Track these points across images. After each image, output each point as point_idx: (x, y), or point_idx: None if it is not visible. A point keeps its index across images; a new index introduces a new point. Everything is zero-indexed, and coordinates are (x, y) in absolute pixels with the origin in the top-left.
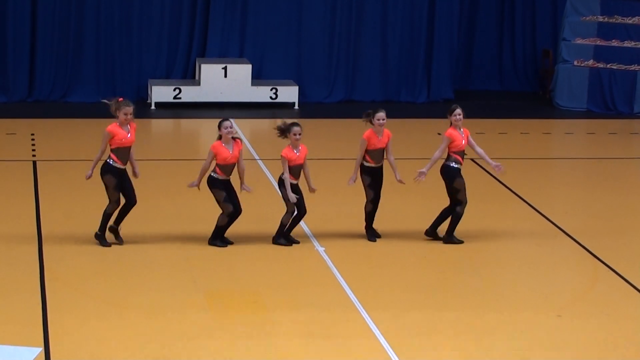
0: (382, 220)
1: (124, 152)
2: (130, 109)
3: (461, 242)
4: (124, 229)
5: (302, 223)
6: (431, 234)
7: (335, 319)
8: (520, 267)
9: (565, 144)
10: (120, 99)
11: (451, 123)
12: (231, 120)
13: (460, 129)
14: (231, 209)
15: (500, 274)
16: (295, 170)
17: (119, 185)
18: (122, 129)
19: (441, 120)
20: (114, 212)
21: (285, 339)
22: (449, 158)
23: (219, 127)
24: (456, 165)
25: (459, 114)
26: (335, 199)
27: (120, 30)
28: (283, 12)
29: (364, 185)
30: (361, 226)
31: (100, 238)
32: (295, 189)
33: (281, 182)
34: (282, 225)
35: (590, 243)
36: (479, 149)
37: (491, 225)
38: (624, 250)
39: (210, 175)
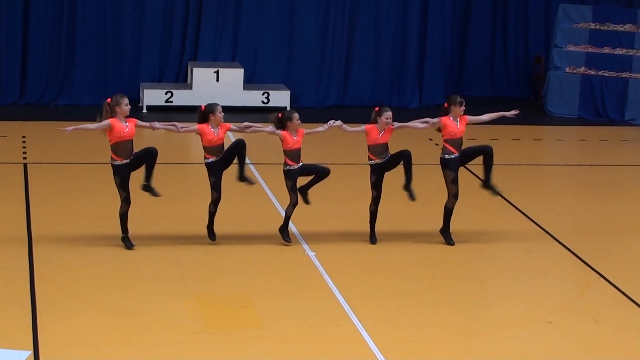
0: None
1: (123, 147)
2: (127, 99)
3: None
4: (113, 231)
5: (292, 227)
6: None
7: (326, 324)
8: (511, 272)
9: (557, 150)
10: (109, 100)
11: (450, 112)
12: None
13: (456, 119)
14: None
15: (490, 279)
16: (294, 154)
17: (124, 183)
18: (121, 122)
19: None
20: (126, 211)
21: (275, 344)
22: (442, 149)
23: (213, 110)
24: (447, 156)
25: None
26: (326, 204)
27: (112, 33)
28: (275, 16)
29: (370, 183)
30: (352, 230)
31: (123, 240)
32: (295, 173)
33: (286, 173)
34: (287, 217)
35: (581, 249)
36: (485, 117)
37: (481, 231)
38: (614, 256)
39: (205, 163)
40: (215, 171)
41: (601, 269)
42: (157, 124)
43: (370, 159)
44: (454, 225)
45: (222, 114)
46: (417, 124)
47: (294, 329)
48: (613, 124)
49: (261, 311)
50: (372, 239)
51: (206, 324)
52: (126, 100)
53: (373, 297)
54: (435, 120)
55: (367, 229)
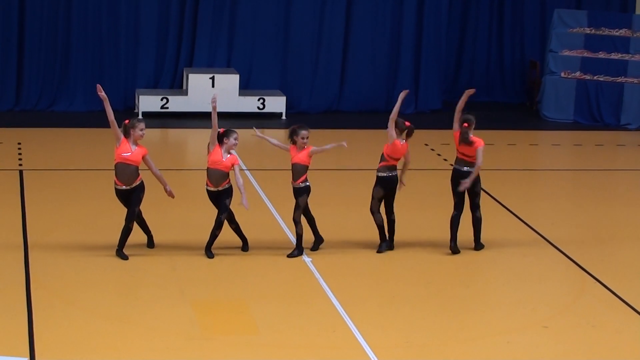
0: (369, 231)
1: (122, 170)
2: (143, 124)
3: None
4: (109, 237)
5: (288, 233)
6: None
7: (322, 329)
8: (507, 278)
9: (552, 155)
10: (127, 121)
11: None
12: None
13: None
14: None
15: (486, 284)
16: (293, 169)
17: (125, 205)
18: (130, 145)
19: (429, 131)
20: (140, 224)
21: (271, 349)
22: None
23: (228, 136)
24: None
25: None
26: (322, 210)
27: (107, 39)
28: (270, 22)
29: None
30: (348, 236)
31: (118, 253)
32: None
33: (306, 189)
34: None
35: (577, 254)
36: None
37: None
38: (610, 261)
39: (230, 186)
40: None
41: (597, 273)
42: (158, 173)
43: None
44: (446, 231)
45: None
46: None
47: (290, 334)
48: (608, 128)
49: (257, 317)
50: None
51: (202, 330)
52: (141, 125)
53: (369, 303)
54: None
55: (362, 235)
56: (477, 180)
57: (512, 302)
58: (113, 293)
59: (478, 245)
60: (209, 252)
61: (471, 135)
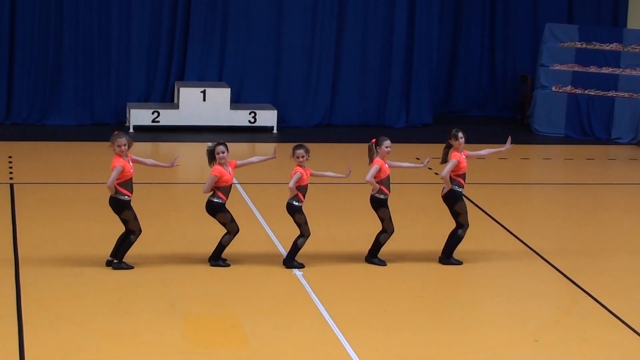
0: (359, 244)
1: (129, 183)
2: (122, 140)
3: (460, 263)
4: (100, 251)
5: (279, 247)
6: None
7: (313, 343)
8: (498, 291)
9: (543, 169)
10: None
11: (453, 146)
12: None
13: (461, 152)
14: (237, 228)
15: (477, 298)
16: (303, 190)
17: (134, 214)
18: (125, 161)
19: (420, 145)
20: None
21: None
22: (451, 181)
23: (215, 151)
24: (459, 189)
25: (462, 137)
26: (314, 223)
27: (98, 53)
28: (262, 35)
29: (384, 218)
30: (338, 250)
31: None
32: (300, 210)
33: (292, 208)
34: (297, 248)
35: (568, 268)
36: (484, 151)
37: (469, 250)
38: (600, 275)
39: (212, 200)
40: (226, 209)
41: (588, 287)
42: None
43: (383, 194)
44: (440, 244)
45: (225, 154)
46: (443, 172)
47: (281, 348)
48: (599, 142)
49: (248, 331)
50: (381, 262)
51: (193, 344)
52: (119, 142)
53: (360, 317)
54: (453, 162)
55: (353, 249)
56: (455, 199)
57: (502, 316)
58: (104, 307)
59: (443, 259)
60: (220, 262)
61: (453, 152)
